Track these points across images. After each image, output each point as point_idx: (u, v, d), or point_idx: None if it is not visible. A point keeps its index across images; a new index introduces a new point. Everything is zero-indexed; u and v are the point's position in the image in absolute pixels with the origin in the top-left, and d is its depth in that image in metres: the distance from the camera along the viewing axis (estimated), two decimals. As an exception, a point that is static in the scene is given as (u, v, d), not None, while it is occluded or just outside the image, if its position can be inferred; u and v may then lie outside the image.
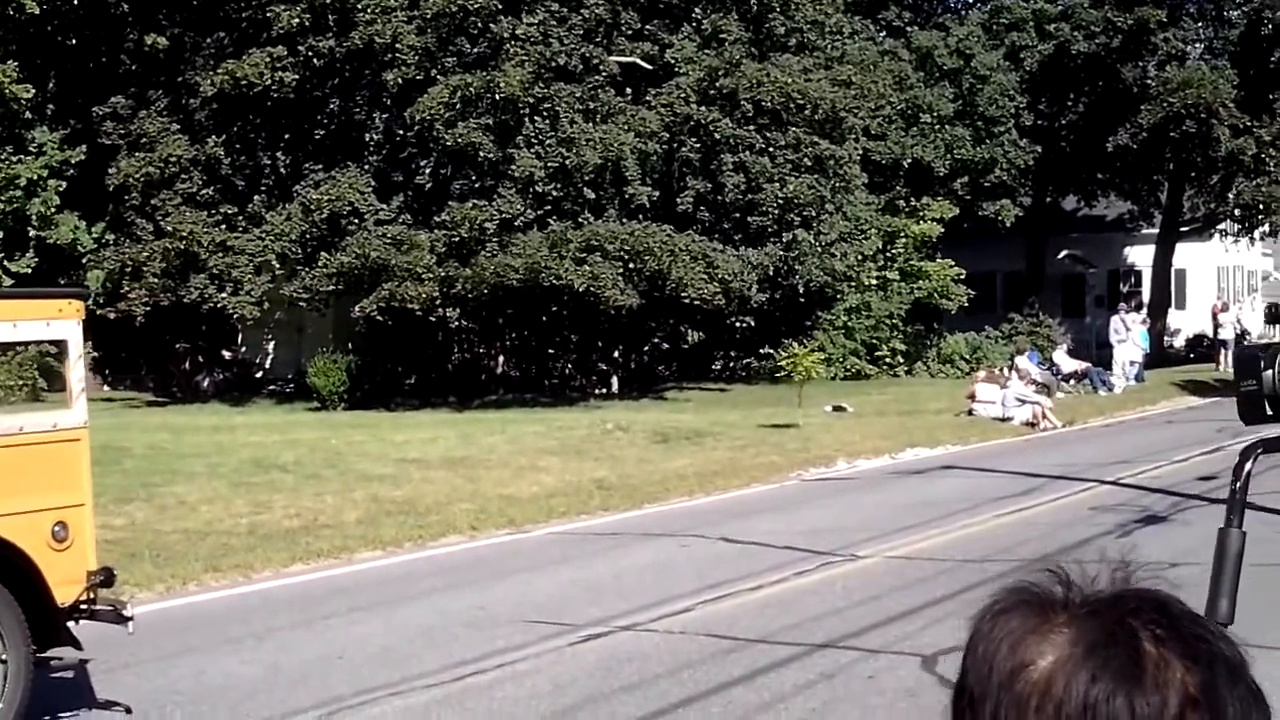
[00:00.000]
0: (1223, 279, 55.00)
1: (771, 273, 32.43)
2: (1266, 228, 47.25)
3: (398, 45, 29.18)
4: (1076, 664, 1.18)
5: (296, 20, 29.53)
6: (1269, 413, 2.39)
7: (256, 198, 31.39)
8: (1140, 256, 51.90)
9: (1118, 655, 1.18)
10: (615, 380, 34.69)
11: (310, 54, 30.03)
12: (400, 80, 29.34)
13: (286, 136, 32.54)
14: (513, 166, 28.99)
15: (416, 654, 9.61)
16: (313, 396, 30.35)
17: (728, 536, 14.22)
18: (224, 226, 30.79)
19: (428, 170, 30.32)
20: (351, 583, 12.47)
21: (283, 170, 32.16)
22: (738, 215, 31.85)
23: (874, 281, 39.39)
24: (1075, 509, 15.64)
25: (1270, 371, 2.39)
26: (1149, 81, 44.21)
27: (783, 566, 12.37)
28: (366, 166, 30.77)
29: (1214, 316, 45.42)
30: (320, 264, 29.51)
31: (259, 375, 35.49)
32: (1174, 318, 50.59)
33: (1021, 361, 29.90)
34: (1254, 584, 8.87)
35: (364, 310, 29.42)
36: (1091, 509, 15.51)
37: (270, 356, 36.32)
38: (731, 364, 40.41)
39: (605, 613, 10.65)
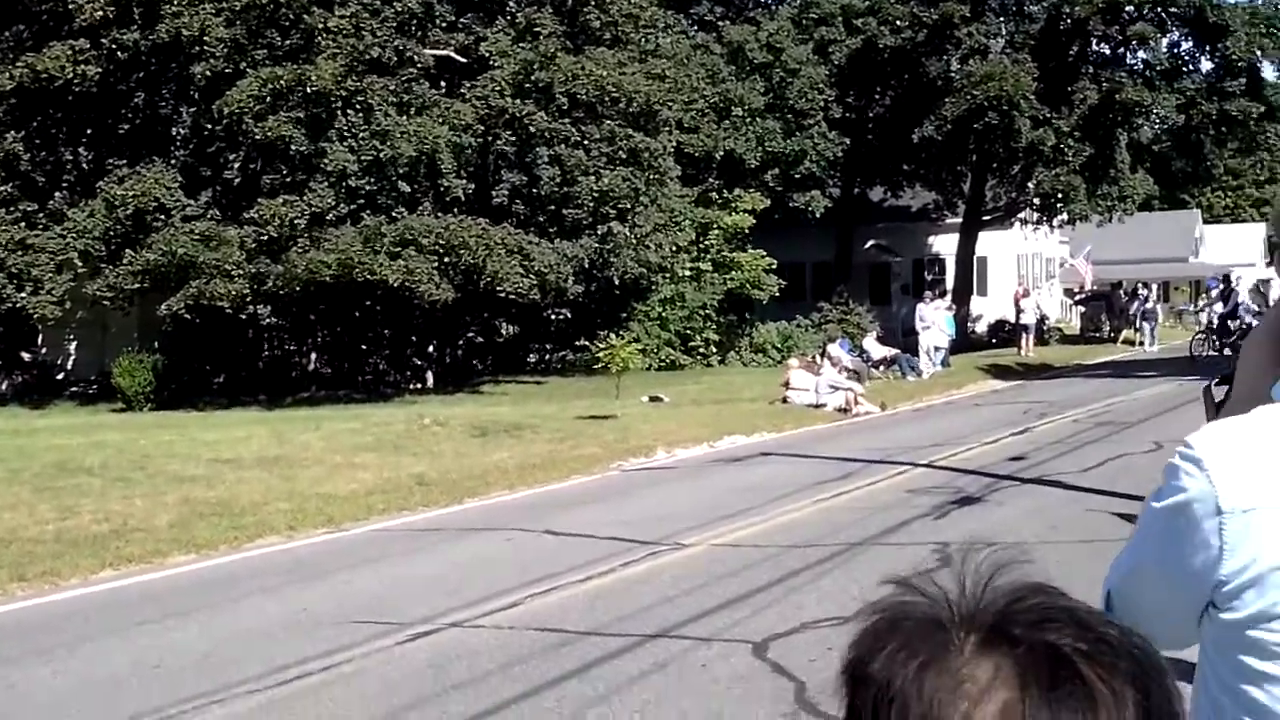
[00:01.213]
0: (1022, 266, 56.56)
1: (587, 265, 32.46)
2: (1065, 216, 48.69)
3: (206, 38, 28.45)
4: (1033, 709, 1.12)
5: (100, 12, 28.58)
6: None
7: (58, 194, 30.37)
8: (944, 245, 53.12)
9: (1069, 694, 1.12)
10: (430, 375, 34.40)
11: (114, 46, 29.13)
12: (208, 73, 28.60)
13: (89, 131, 31.55)
14: (325, 160, 28.52)
15: (237, 659, 9.36)
16: (118, 397, 29.47)
17: (552, 529, 14.17)
18: (23, 224, 29.74)
19: (237, 165, 29.63)
20: (166, 588, 12.12)
21: (85, 166, 31.15)
22: (553, 208, 31.80)
23: (688, 272, 39.65)
24: (892, 492, 15.90)
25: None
26: (953, 75, 45.27)
27: (609, 557, 12.34)
28: (173, 161, 29.97)
29: (1016, 303, 46.67)
30: (125, 262, 28.66)
31: (60, 377, 34.37)
32: (977, 304, 51.86)
33: (833, 349, 30.37)
34: (1077, 558, 9.04)
35: (171, 309, 28.65)
36: (908, 491, 15.78)
37: (72, 357, 35.16)
38: (547, 357, 40.37)
39: (432, 610, 10.50)
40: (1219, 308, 44.05)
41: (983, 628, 1.16)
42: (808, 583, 11.03)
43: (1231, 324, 41.75)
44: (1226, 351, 39.73)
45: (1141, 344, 48.36)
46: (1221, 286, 43.97)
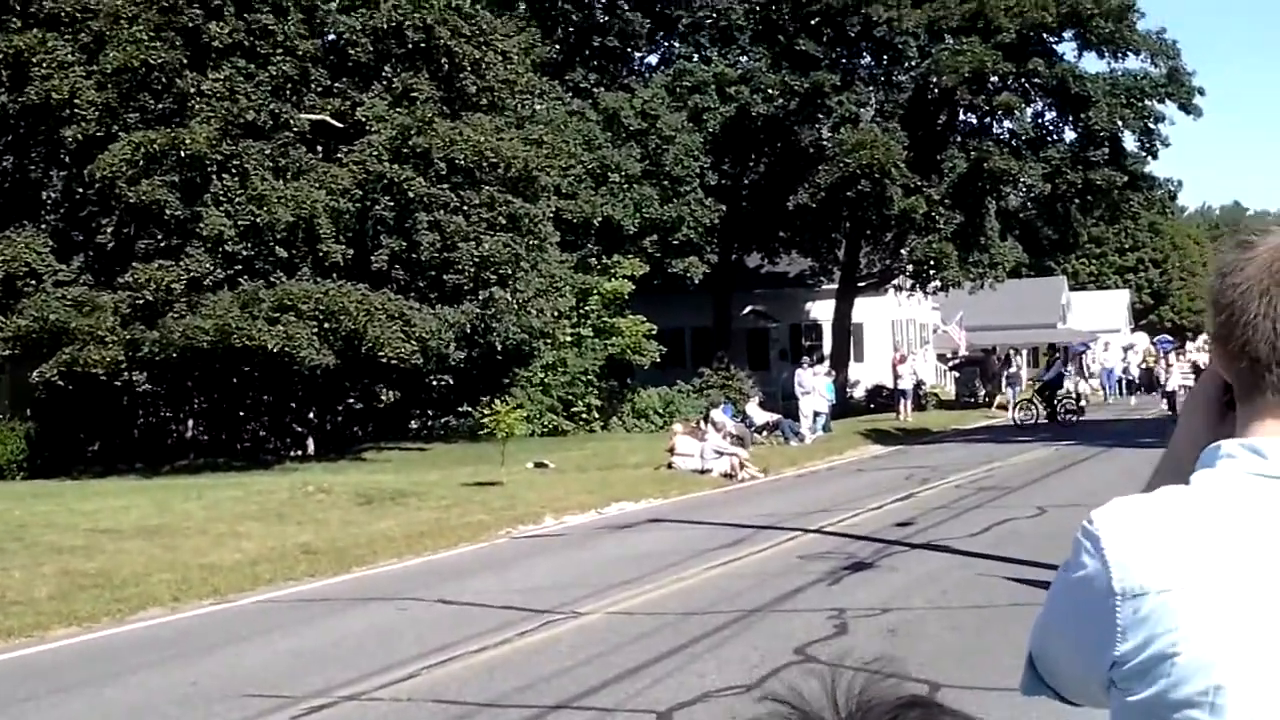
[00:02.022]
0: (897, 332, 57.42)
1: (469, 330, 32.29)
2: (938, 283, 49.47)
3: (76, 100, 28.05)
4: None
5: (-33, 75, 28.14)
6: None
7: (-75, 260, 29.64)
8: (821, 311, 53.77)
9: None
10: (311, 442, 33.96)
11: (-19, 109, 28.64)
12: (80, 136, 28.17)
13: (-44, 195, 30.87)
14: (201, 225, 28.15)
15: (126, 736, 9.09)
16: (-11, 467, 28.77)
17: (445, 598, 13.97)
18: (-111, 289, 28.98)
19: (110, 229, 29.09)
20: (48, 662, 11.75)
21: (-47, 231, 30.44)
22: (433, 273, 31.61)
23: (569, 338, 39.64)
24: (784, 558, 15.91)
25: None
26: (825, 143, 46.00)
27: (505, 627, 12.19)
28: (44, 225, 29.38)
29: (894, 368, 47.27)
30: (-5, 327, 28.05)
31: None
32: (854, 369, 52.44)
33: (716, 415, 30.47)
34: (970, 625, 9.12)
35: (43, 375, 28.02)
36: (800, 557, 15.79)
37: (-60, 426, 34.23)
38: (429, 423, 40.07)
39: (327, 683, 10.26)
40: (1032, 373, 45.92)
41: None
42: (707, 650, 10.96)
43: (1057, 390, 43.47)
44: (1044, 420, 41.42)
45: (1005, 405, 49.33)
46: (1049, 357, 45.49)
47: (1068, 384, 48.67)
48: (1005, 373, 52.02)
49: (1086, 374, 60.64)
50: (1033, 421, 40.55)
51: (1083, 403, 46.61)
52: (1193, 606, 1.63)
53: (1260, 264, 1.76)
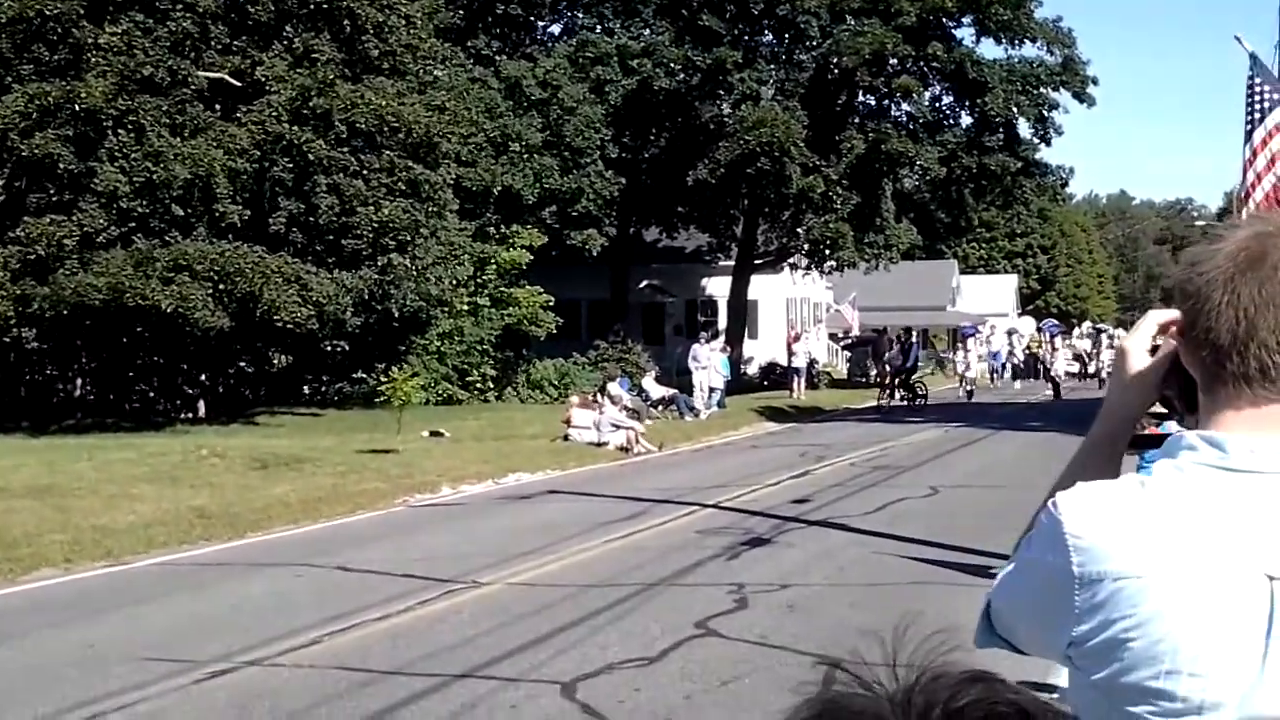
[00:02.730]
0: (792, 310, 57.82)
1: (366, 296, 32.03)
2: (834, 263, 49.86)
3: (-32, 50, 27.42)
4: None
5: None
6: None
7: None
8: (717, 287, 53.97)
9: None
10: (202, 404, 33.54)
11: None
12: (-30, 87, 27.55)
13: None
14: (95, 180, 27.63)
15: (23, 698, 8.97)
16: None
17: (343, 565, 13.92)
18: None
19: (1, 183, 28.48)
20: (-61, 622, 11.56)
21: None
22: (331, 238, 31.28)
23: (466, 307, 39.46)
24: (682, 532, 16.02)
25: None
26: (725, 119, 46.13)
27: (406, 595, 12.17)
28: (-68, 177, 28.71)
29: (788, 346, 47.60)
30: (-122, 279, 27.39)
31: None
32: (748, 346, 52.75)
33: (613, 388, 30.50)
34: (868, 601, 9.28)
35: (-74, 330, 27.43)
36: (698, 532, 15.91)
37: None
38: (323, 389, 39.70)
39: (227, 648, 10.19)
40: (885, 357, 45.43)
41: None
42: (609, 623, 11.02)
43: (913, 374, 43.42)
44: (904, 402, 41.37)
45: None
46: (901, 340, 44.63)
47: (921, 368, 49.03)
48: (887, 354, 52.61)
49: (977, 358, 61.34)
50: (890, 406, 40.32)
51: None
52: (1150, 594, 1.69)
53: (1226, 254, 1.82)
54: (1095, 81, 48.07)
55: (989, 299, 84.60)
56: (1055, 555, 1.76)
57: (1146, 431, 2.79)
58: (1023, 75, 47.50)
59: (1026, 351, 65.70)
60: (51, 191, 28.31)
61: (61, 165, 27.56)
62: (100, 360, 33.72)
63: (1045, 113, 48.39)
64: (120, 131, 28.16)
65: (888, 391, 41.71)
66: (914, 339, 44.89)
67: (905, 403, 41.30)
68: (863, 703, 1.15)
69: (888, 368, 43.40)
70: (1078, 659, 1.75)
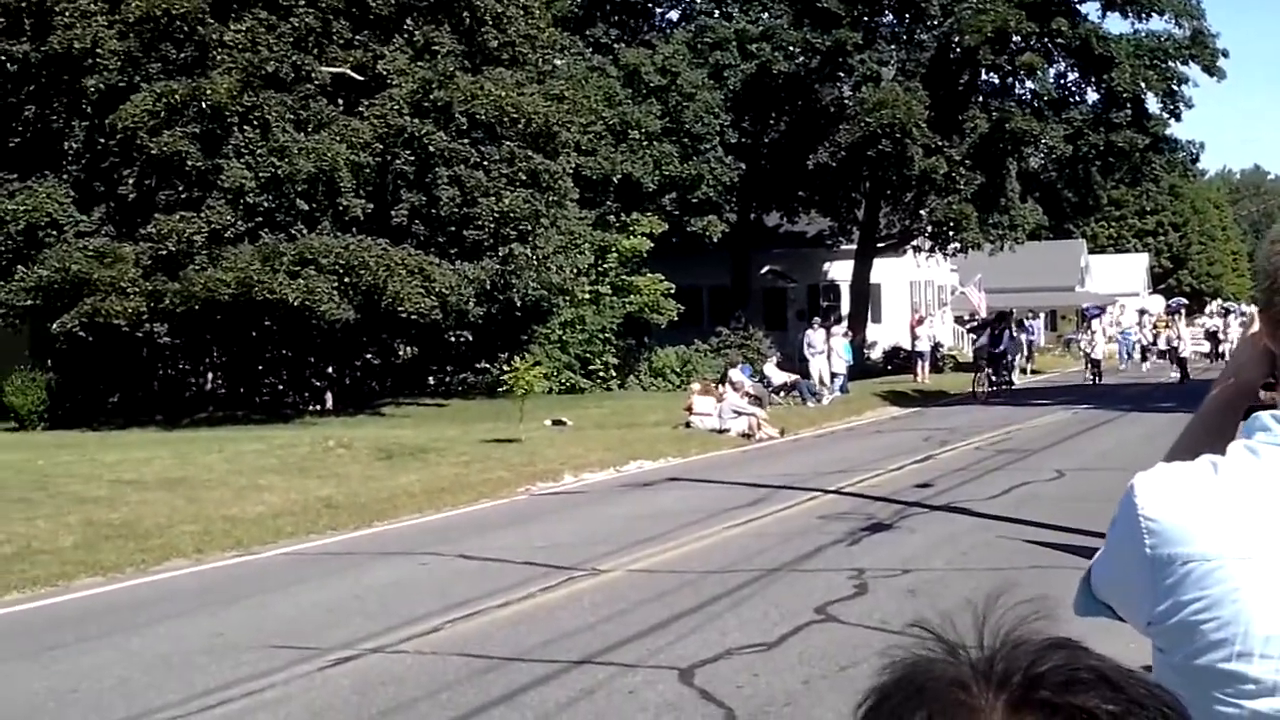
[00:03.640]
0: (915, 293, 57.29)
1: (488, 286, 32.30)
2: (957, 244, 49.33)
3: (98, 50, 28.00)
4: None
5: (-11, 23, 28.12)
6: None
7: (-54, 209, 29.69)
8: (839, 272, 53.65)
9: None
10: (330, 396, 34.05)
11: (4, 58, 28.57)
12: (101, 86, 28.15)
13: (-22, 145, 30.87)
14: (222, 177, 28.15)
15: (156, 684, 9.15)
16: (10, 417, 28.87)
17: (466, 553, 14.04)
18: (-90, 239, 29.05)
19: (131, 180, 29.07)
20: (76, 611, 11.85)
21: (-26, 181, 30.45)
22: (453, 228, 31.61)
23: (587, 296, 39.64)
24: (803, 518, 15.96)
25: None
26: (846, 102, 45.80)
27: (526, 582, 12.25)
28: (66, 176, 29.36)
29: (912, 330, 47.17)
30: (16, 278, 28.11)
31: (-52, 395, 33.53)
32: (872, 331, 52.36)
33: (735, 374, 30.48)
34: (991, 586, 9.27)
35: (64, 326, 28.08)
36: (819, 518, 15.84)
37: (-40, 375, 34.36)
38: (447, 379, 40.13)
39: (352, 635, 10.35)
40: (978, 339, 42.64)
41: (1009, 690, 1.13)
42: (728, 609, 11.01)
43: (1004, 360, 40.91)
44: (1002, 385, 39.20)
45: (1023, 370, 49.09)
46: (992, 325, 41.95)
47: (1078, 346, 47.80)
48: (1023, 337, 51.76)
49: (1106, 339, 60.27)
50: (984, 394, 37.95)
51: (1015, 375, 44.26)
52: (1221, 577, 1.67)
53: None
54: (1225, 54, 47.00)
55: (1119, 278, 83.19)
56: (1131, 537, 1.76)
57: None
58: (1150, 49, 46.57)
59: (1154, 332, 64.44)
60: (180, 189, 28.88)
61: (189, 163, 28.11)
62: (230, 354, 34.40)
63: (1174, 87, 47.36)
64: (245, 128, 28.66)
65: (983, 378, 39.36)
66: (1007, 323, 42.59)
67: (994, 389, 38.94)
68: (944, 668, 1.16)
69: (982, 354, 41.26)
70: (1156, 640, 1.75)
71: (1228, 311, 70.16)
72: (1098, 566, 1.93)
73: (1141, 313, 69.56)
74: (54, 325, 28.36)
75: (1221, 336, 60.65)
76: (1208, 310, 77.86)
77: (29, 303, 28.46)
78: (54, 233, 28.36)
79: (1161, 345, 58.54)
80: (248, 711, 8.52)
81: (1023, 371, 50.22)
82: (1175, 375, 48.37)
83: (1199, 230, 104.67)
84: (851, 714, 1.20)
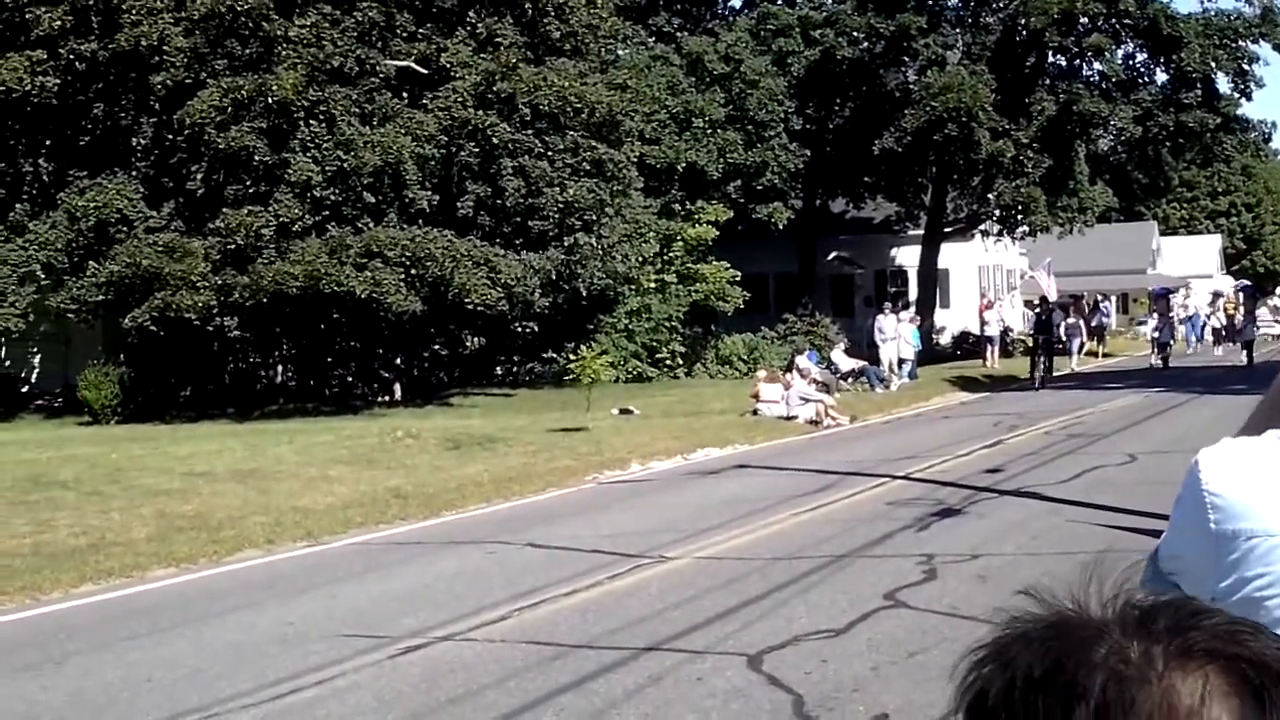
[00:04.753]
0: (984, 278, 56.88)
1: (554, 276, 32.37)
2: (1025, 228, 48.93)
3: (165, 47, 28.29)
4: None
5: (58, 22, 28.41)
6: None
7: (18, 206, 30.07)
8: (907, 257, 53.34)
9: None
10: (398, 388, 34.26)
11: (72, 57, 28.92)
12: (169, 83, 28.43)
13: (49, 142, 31.21)
14: (289, 171, 28.35)
15: (228, 674, 9.23)
16: (84, 410, 29.25)
17: (534, 542, 14.08)
18: (-15, 236, 29.49)
19: (199, 176, 29.37)
20: (149, 602, 11.97)
21: (46, 177, 30.79)
22: (518, 219, 31.71)
23: (653, 284, 39.65)
24: (871, 504, 15.88)
25: None
26: (911, 86, 45.52)
27: (594, 570, 12.27)
28: (135, 172, 29.72)
29: (980, 314, 46.83)
30: (88, 274, 28.48)
31: (24, 390, 34.02)
32: (940, 316, 52.05)
33: (802, 361, 30.38)
34: (1062, 571, 9.07)
35: (136, 320, 28.40)
36: (887, 504, 15.75)
37: (36, 370, 34.85)
38: (514, 369, 40.28)
39: (421, 623, 10.41)
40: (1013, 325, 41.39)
41: (1167, 640, 1.10)
42: (795, 595, 10.98)
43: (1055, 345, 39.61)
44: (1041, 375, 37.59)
45: (1095, 353, 48.59)
46: (1039, 310, 40.62)
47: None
48: (1094, 320, 51.27)
49: (1177, 321, 59.51)
50: (1037, 381, 36.59)
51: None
52: None
53: None
54: (1297, 32, 46.28)
55: (1191, 260, 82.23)
56: (1196, 512, 1.73)
57: None
58: (1219, 28, 45.91)
59: (1226, 314, 63.56)
60: (247, 183, 29.14)
61: (256, 157, 28.34)
62: (299, 346, 34.68)
63: (1244, 66, 46.66)
64: (311, 122, 28.85)
65: (1036, 365, 37.79)
66: (1054, 308, 41.05)
67: (1041, 376, 37.25)
68: (1091, 619, 1.14)
69: (1032, 339, 39.71)
70: None
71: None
72: (1164, 543, 1.92)
73: (1215, 295, 68.71)
74: (126, 320, 28.69)
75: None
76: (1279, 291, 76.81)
77: (101, 298, 28.83)
78: (124, 229, 28.69)
79: (1228, 325, 57.71)
80: (318, 700, 8.58)
81: (1093, 355, 49.74)
82: (1244, 358, 47.63)
83: (1273, 211, 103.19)
84: (957, 695, 1.16)
